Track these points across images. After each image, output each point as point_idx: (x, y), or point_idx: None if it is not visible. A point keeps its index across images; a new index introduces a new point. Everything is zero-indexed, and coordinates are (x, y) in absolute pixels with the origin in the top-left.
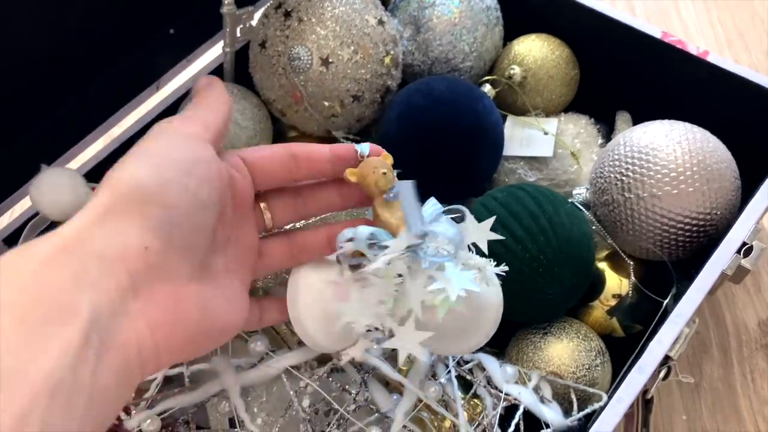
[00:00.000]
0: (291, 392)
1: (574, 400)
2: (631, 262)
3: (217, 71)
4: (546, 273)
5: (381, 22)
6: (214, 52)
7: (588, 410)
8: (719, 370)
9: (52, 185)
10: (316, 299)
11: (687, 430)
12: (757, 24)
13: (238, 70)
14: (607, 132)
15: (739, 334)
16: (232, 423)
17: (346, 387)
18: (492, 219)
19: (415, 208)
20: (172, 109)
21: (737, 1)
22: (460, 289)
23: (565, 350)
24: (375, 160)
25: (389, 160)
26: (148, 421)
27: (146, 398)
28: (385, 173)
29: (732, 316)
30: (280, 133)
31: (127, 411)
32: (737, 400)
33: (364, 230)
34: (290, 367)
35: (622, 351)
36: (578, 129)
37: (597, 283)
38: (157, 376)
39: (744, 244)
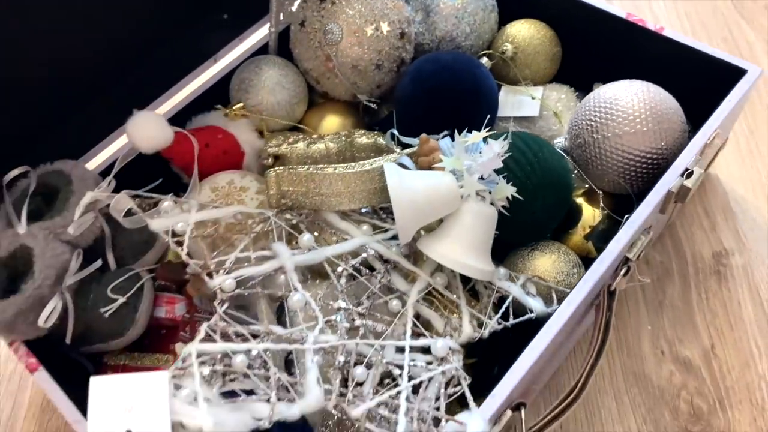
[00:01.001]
0: (331, 274)
1: (555, 297)
2: (601, 193)
3: (263, 47)
4: (531, 195)
5: (397, 6)
6: (260, 33)
7: (564, 303)
8: (679, 291)
9: (145, 123)
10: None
11: (652, 338)
12: (718, 16)
13: (280, 48)
14: None
15: (696, 263)
16: (279, 321)
17: (373, 273)
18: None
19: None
20: (227, 78)
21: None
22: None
23: (548, 261)
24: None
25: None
26: (228, 281)
27: (224, 268)
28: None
29: (691, 249)
30: (311, 102)
31: (210, 276)
32: (693, 315)
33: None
34: (331, 257)
35: None
36: (560, 95)
37: (575, 213)
38: (231, 256)
39: (686, 169)
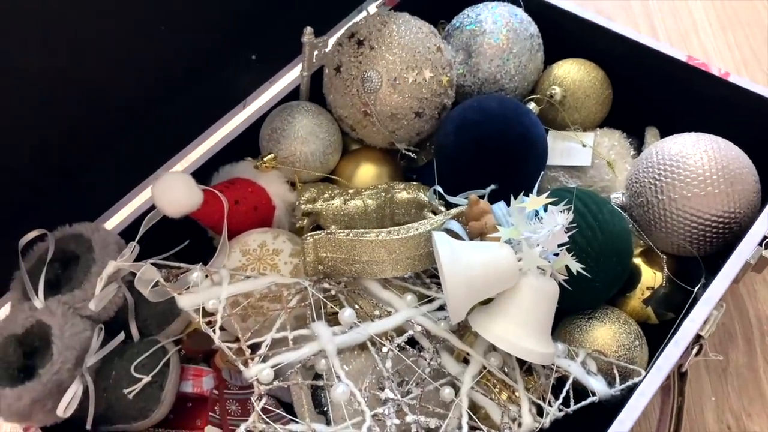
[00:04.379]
0: (375, 356)
1: (617, 374)
2: (664, 256)
3: (294, 92)
4: (593, 263)
5: (439, 49)
6: (291, 75)
7: (629, 383)
8: (744, 357)
9: (172, 186)
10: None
11: (716, 411)
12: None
13: (312, 91)
14: (638, 145)
15: (761, 325)
16: (314, 396)
17: (421, 354)
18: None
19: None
20: (256, 125)
21: (751, 25)
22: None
23: (607, 332)
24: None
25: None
26: (265, 371)
27: (259, 354)
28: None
29: (755, 310)
30: (345, 147)
31: (245, 364)
32: (761, 384)
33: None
34: (374, 335)
35: (656, 337)
36: (612, 142)
37: (633, 276)
38: (267, 338)
39: (765, 237)
